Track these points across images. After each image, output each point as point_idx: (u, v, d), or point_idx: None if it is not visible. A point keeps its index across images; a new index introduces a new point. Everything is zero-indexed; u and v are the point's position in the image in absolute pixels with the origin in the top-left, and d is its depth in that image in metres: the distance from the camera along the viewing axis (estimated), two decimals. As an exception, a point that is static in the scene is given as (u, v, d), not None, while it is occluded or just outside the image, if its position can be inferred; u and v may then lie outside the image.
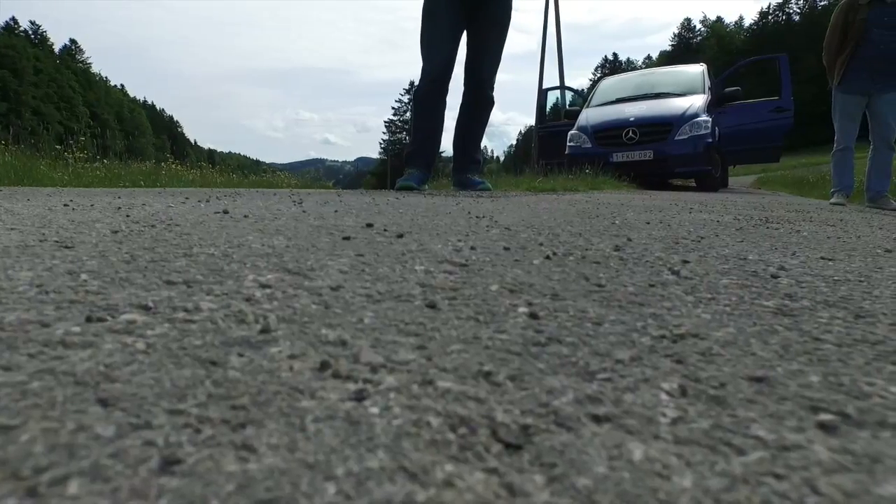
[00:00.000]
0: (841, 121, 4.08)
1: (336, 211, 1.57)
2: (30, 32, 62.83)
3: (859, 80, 3.93)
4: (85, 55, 70.81)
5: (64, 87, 55.74)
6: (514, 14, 3.48)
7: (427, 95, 3.47)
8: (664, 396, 0.39)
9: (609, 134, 7.09)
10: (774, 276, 0.84)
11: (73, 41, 71.20)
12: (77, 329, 0.48)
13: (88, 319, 0.50)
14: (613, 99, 7.94)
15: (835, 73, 4.03)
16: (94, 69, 71.16)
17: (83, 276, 0.65)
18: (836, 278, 0.85)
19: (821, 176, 8.38)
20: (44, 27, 64.47)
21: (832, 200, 4.24)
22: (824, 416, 0.37)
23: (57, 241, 0.87)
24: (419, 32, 3.42)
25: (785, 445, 0.33)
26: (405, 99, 63.44)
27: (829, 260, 1.03)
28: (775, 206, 3.14)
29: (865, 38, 3.86)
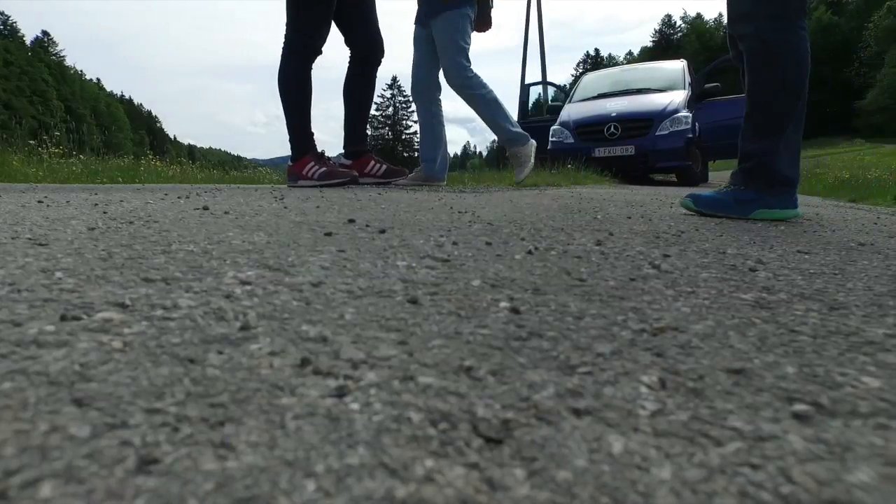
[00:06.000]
0: None
1: (318, 207, 1.56)
2: (-2, 23, 61.12)
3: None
4: (58, 48, 69.07)
5: (37, 81, 54.38)
6: (495, 10, 3.21)
7: None
8: (644, 389, 0.40)
9: (591, 129, 7.13)
10: (752, 270, 0.85)
11: (45, 33, 69.41)
12: (51, 328, 0.47)
13: (63, 318, 0.49)
14: (595, 94, 7.99)
15: None
16: (69, 62, 69.50)
17: (58, 274, 0.64)
18: (811, 271, 0.86)
19: (797, 171, 8.53)
20: (13, 18, 62.73)
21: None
22: (799, 407, 0.37)
23: (30, 239, 0.85)
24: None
25: (761, 436, 0.33)
26: (388, 94, 63.03)
27: (806, 253, 1.05)
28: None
29: None
